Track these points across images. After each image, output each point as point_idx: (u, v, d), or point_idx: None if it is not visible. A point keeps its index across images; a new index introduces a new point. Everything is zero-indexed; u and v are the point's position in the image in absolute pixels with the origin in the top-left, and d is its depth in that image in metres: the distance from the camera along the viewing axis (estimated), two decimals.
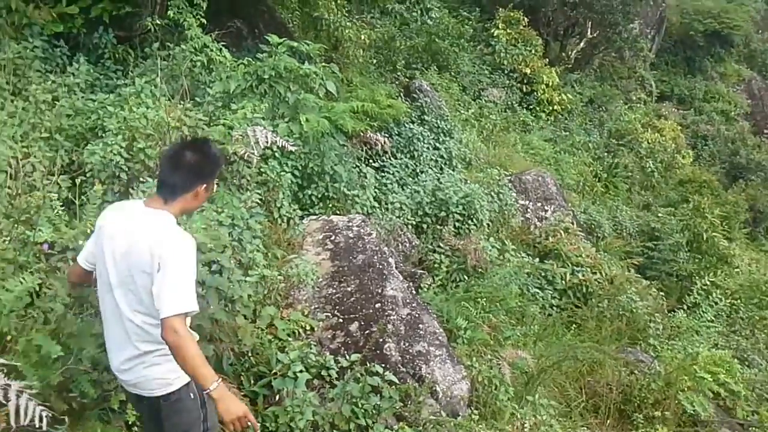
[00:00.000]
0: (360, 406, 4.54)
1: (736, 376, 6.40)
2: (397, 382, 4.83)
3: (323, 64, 7.43)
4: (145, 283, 2.75)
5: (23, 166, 4.95)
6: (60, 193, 4.95)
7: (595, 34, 19.30)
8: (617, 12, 18.79)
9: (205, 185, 2.97)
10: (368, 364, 4.93)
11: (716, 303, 8.46)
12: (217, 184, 3.44)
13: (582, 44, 19.36)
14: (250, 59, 7.03)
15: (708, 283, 11.69)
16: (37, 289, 3.73)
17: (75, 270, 3.33)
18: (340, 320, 5.77)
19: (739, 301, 10.73)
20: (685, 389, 5.93)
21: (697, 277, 11.87)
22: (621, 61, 21.95)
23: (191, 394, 2.92)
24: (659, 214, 14.51)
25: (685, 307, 8.63)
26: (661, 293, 10.31)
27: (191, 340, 2.68)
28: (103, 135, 5.67)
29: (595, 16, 18.76)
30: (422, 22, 14.10)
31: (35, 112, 5.82)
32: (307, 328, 5.59)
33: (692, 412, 5.84)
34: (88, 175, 5.31)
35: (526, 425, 4.92)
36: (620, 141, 18.17)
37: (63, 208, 4.71)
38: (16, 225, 4.24)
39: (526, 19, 17.82)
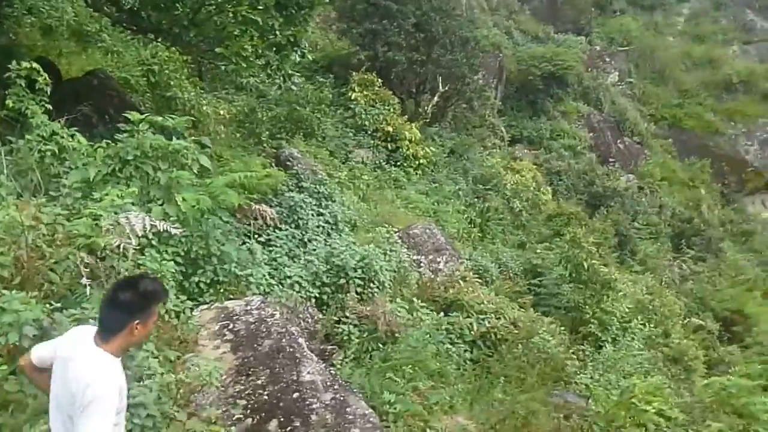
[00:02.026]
0: None
1: (669, 401, 6.32)
2: None
3: (193, 137, 6.79)
4: (71, 414, 2.92)
5: None
6: None
7: (446, 88, 20.01)
8: (462, 65, 19.67)
9: (138, 321, 3.06)
10: None
11: (641, 329, 8.50)
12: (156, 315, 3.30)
13: (435, 98, 19.96)
14: (108, 141, 6.26)
15: (598, 310, 12.10)
16: None
17: (23, 360, 3.39)
18: (256, 420, 5.04)
19: (631, 323, 11.02)
20: (627, 425, 5.71)
21: (586, 307, 12.21)
22: (472, 111, 22.94)
23: None
24: (537, 251, 14.89)
25: (610, 339, 8.53)
26: (561, 327, 10.33)
27: None
28: None
29: (443, 71, 19.50)
30: (285, 89, 13.82)
31: None
32: None
33: None
34: None
35: None
36: (486, 186, 18.72)
37: None
38: None
39: (379, 80, 18.19)
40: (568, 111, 25.78)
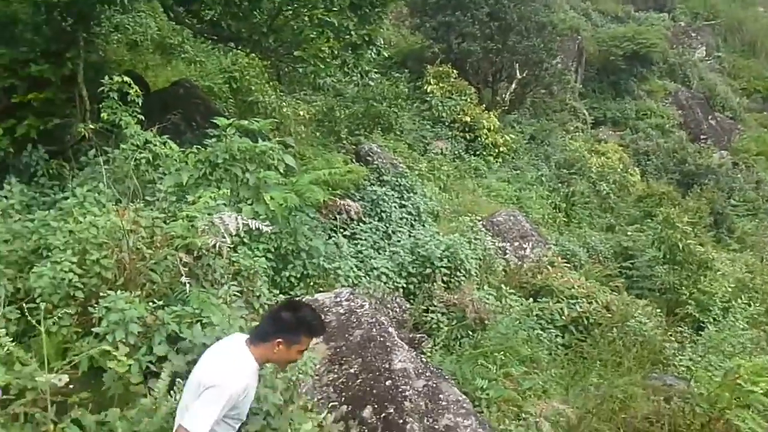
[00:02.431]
0: None
1: None
2: None
3: (277, 139, 7.00)
4: (194, 398, 3.14)
5: None
6: (8, 327, 4.27)
7: (523, 75, 19.66)
8: (540, 50, 19.25)
9: (281, 341, 3.26)
10: None
11: (743, 309, 8.09)
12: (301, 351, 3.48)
13: (513, 85, 19.66)
14: (198, 147, 6.55)
15: (696, 291, 11.58)
16: None
17: None
18: (350, 407, 5.15)
19: (732, 303, 10.47)
20: (732, 407, 5.45)
21: (683, 288, 11.72)
22: (551, 96, 22.42)
23: None
24: (628, 233, 14.40)
25: (711, 320, 8.17)
26: (657, 310, 9.96)
27: None
28: (49, 255, 5.02)
29: (520, 57, 19.16)
30: (361, 86, 14.01)
31: None
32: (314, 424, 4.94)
33: (748, 431, 5.34)
34: (38, 301, 4.63)
35: None
36: (570, 170, 18.27)
37: (13, 343, 4.02)
38: None
39: (455, 71, 18.09)
40: (653, 89, 24.76)
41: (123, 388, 4.03)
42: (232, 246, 5.66)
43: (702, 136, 23.50)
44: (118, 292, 4.39)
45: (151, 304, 4.50)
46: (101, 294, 4.45)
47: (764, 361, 5.99)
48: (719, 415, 5.48)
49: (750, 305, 8.79)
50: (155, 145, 6.57)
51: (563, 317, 8.27)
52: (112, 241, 4.94)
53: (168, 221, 5.60)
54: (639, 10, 30.00)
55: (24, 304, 4.44)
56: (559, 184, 17.35)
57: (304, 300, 4.64)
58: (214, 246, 5.04)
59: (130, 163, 6.37)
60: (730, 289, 10.75)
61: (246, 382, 3.23)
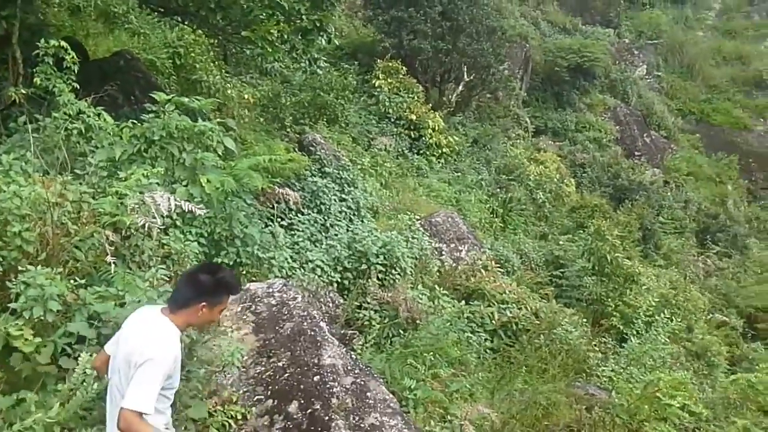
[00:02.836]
0: None
1: (693, 396, 6.21)
2: None
3: (218, 120, 6.78)
4: (127, 378, 3.14)
5: None
6: None
7: (471, 78, 19.83)
8: (489, 54, 19.46)
9: (204, 304, 3.33)
10: None
11: (667, 323, 8.37)
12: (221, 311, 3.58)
13: (460, 87, 19.80)
14: (134, 121, 6.27)
15: (621, 303, 11.96)
16: None
17: (101, 356, 3.59)
18: (276, 402, 5.03)
19: (655, 317, 10.86)
20: (651, 419, 5.63)
21: (609, 300, 12.08)
22: (496, 101, 22.73)
23: None
24: (560, 242, 14.76)
25: (634, 333, 8.43)
26: (583, 320, 10.22)
27: (142, 426, 3.03)
28: None
29: (468, 60, 19.32)
30: (309, 74, 13.79)
31: None
32: (239, 417, 4.83)
33: None
34: None
35: None
36: (509, 176, 18.56)
37: None
38: None
39: (404, 68, 18.08)
40: (594, 103, 25.43)
41: (31, 370, 3.82)
42: (163, 228, 5.45)
43: (636, 153, 24.30)
44: (39, 267, 4.14)
45: (72, 282, 4.27)
46: (20, 268, 4.18)
47: (682, 376, 6.23)
48: (638, 427, 5.65)
49: (672, 320, 9.13)
50: (89, 116, 6.25)
51: (493, 321, 8.38)
52: (36, 213, 4.67)
53: (97, 197, 5.33)
54: (587, 24, 30.74)
55: None
56: (498, 189, 17.61)
57: (212, 264, 4.67)
58: (143, 226, 4.83)
59: (61, 132, 6.03)
60: (653, 304, 11.14)
61: (176, 351, 3.27)
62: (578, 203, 18.14)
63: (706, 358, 11.58)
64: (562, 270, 13.19)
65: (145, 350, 3.13)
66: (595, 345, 8.33)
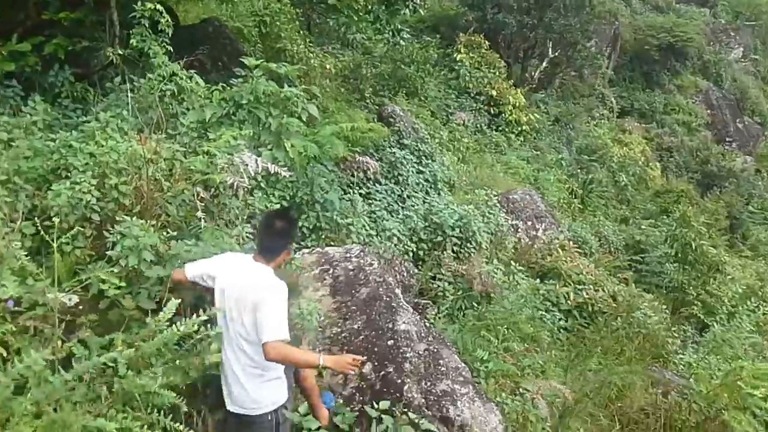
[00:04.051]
0: None
1: None
2: (436, 430, 4.19)
3: (303, 87, 6.89)
4: (251, 320, 3.43)
5: None
6: (23, 242, 4.24)
7: (555, 54, 19.32)
8: (576, 31, 18.88)
9: (288, 249, 3.79)
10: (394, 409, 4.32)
11: (753, 311, 8.03)
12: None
13: (544, 64, 19.34)
14: (224, 85, 6.45)
15: (703, 292, 11.51)
16: (4, 354, 3.08)
17: (177, 274, 3.93)
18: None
19: (739, 308, 10.41)
20: (729, 408, 5.42)
21: (690, 288, 11.65)
22: (581, 80, 22.08)
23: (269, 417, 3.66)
24: (642, 227, 14.31)
25: (716, 321, 8.12)
26: (663, 306, 9.91)
27: (289, 348, 3.42)
28: (69, 175, 4.99)
29: (554, 35, 18.81)
30: (391, 46, 13.77)
31: None
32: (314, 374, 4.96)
33: None
34: (54, 219, 4.61)
35: None
36: (591, 157, 18.09)
37: (27, 257, 4.01)
38: None
39: (486, 42, 17.78)
40: (684, 85, 24.30)
41: (119, 315, 4.03)
42: (248, 188, 5.61)
43: (728, 139, 23.15)
44: (134, 218, 4.35)
45: (165, 233, 4.47)
46: (117, 219, 4.42)
47: (767, 366, 5.95)
48: (715, 415, 5.46)
49: (756, 311, 8.73)
50: (181, 79, 6.47)
51: (569, 301, 8.24)
52: (132, 168, 4.90)
53: (188, 156, 5.55)
54: (680, 2, 29.30)
55: (40, 222, 4.44)
56: (578, 170, 17.19)
57: (277, 210, 5.06)
58: (231, 185, 4.99)
59: (155, 93, 6.27)
60: (738, 294, 10.68)
61: (286, 289, 3.55)
62: (663, 188, 17.50)
63: None
64: (642, 255, 12.86)
65: (266, 283, 3.44)
66: (675, 332, 8.06)
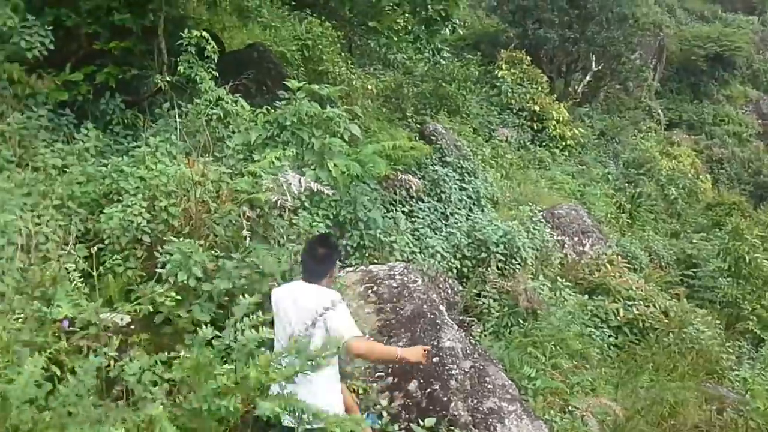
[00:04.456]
0: None
1: None
2: None
3: (345, 107, 6.99)
4: (320, 335, 3.44)
5: (35, 236, 4.42)
6: (77, 264, 4.40)
7: (599, 67, 19.11)
8: (619, 43, 18.66)
9: (333, 273, 3.92)
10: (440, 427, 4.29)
11: None
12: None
13: (587, 78, 19.14)
14: (268, 108, 6.60)
15: (758, 306, 11.12)
16: (58, 372, 3.18)
17: None
18: (396, 380, 5.13)
19: None
20: None
21: (745, 302, 11.28)
22: (626, 92, 21.77)
23: None
24: (693, 240, 13.94)
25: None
26: (717, 322, 9.61)
27: (369, 342, 3.88)
28: (120, 199, 5.17)
29: (597, 49, 18.62)
30: (432, 64, 13.86)
31: (44, 180, 5.34)
32: (360, 391, 4.97)
33: None
34: (106, 242, 4.77)
35: None
36: (639, 171, 17.75)
37: (81, 279, 4.16)
38: (30, 301, 3.69)
39: (528, 58, 17.72)
40: (734, 95, 23.68)
41: (173, 330, 4.12)
42: (293, 208, 5.70)
43: None
44: (182, 239, 4.47)
45: (213, 252, 4.57)
46: (166, 240, 4.54)
47: None
48: None
49: None
50: (227, 103, 6.65)
51: (618, 318, 8.07)
52: (181, 190, 5.04)
53: (234, 178, 5.68)
54: (727, 11, 28.65)
55: (92, 245, 4.59)
56: (626, 184, 16.88)
57: (319, 236, 4.94)
58: (276, 205, 5.08)
59: (202, 118, 6.46)
60: None
61: None
62: (714, 200, 17.02)
63: None
64: (694, 270, 12.52)
65: (328, 296, 3.54)
66: (729, 347, 7.80)
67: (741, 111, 23.37)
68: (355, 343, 3.43)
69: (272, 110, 6.70)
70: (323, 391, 3.56)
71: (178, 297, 3.99)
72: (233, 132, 6.46)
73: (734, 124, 22.51)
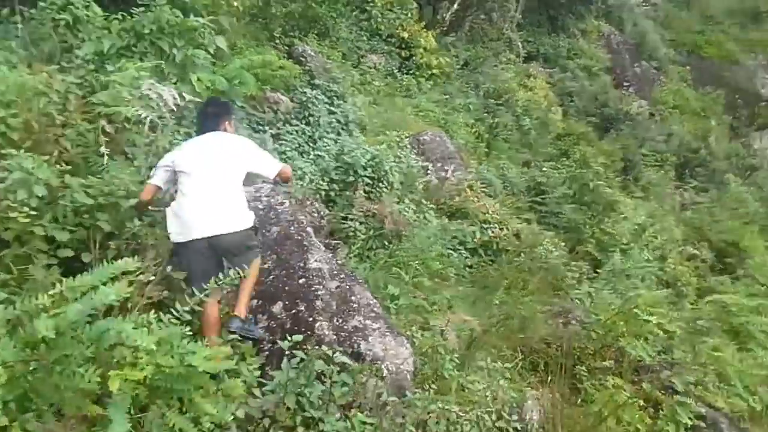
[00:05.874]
0: (307, 395, 3.96)
1: (668, 316, 6.44)
2: (351, 363, 4.28)
3: (211, 17, 6.58)
4: (240, 163, 4.44)
5: None
6: None
7: None
8: None
9: (227, 121, 4.65)
10: (305, 346, 4.38)
11: (651, 241, 8.56)
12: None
13: (455, 6, 19.29)
14: (124, 14, 6.06)
15: (598, 231, 12.17)
16: None
17: (146, 193, 4.34)
18: (261, 302, 5.14)
19: (630, 245, 11.11)
20: (626, 335, 5.84)
21: (586, 227, 12.28)
22: (490, 23, 22.19)
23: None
24: (543, 169, 14.82)
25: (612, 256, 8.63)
26: (562, 244, 10.42)
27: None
28: None
29: None
30: None
31: None
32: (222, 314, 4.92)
33: (638, 358, 5.75)
34: None
35: (480, 393, 4.55)
36: (498, 101, 18.37)
37: None
38: None
39: None
40: (588, 30, 24.85)
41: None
42: (161, 125, 5.36)
43: (626, 83, 24.02)
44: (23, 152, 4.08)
45: (59, 167, 4.22)
46: (4, 153, 4.12)
47: (663, 294, 6.42)
48: (612, 342, 5.87)
49: (644, 249, 9.35)
50: (77, 8, 6.03)
51: (475, 240, 8.51)
52: (22, 100, 4.57)
53: (83, 90, 5.22)
54: None
55: None
56: (485, 114, 17.46)
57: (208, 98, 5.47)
58: (145, 120, 4.75)
59: (47, 24, 5.83)
60: (630, 232, 11.37)
61: None
62: (564, 131, 18.10)
63: (676, 287, 11.94)
64: (543, 196, 13.31)
65: (240, 140, 4.48)
66: (574, 267, 8.53)
67: (593, 45, 24.59)
68: (281, 170, 4.59)
69: (129, 17, 6.16)
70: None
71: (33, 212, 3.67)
72: (83, 40, 5.89)
73: (586, 58, 23.69)
